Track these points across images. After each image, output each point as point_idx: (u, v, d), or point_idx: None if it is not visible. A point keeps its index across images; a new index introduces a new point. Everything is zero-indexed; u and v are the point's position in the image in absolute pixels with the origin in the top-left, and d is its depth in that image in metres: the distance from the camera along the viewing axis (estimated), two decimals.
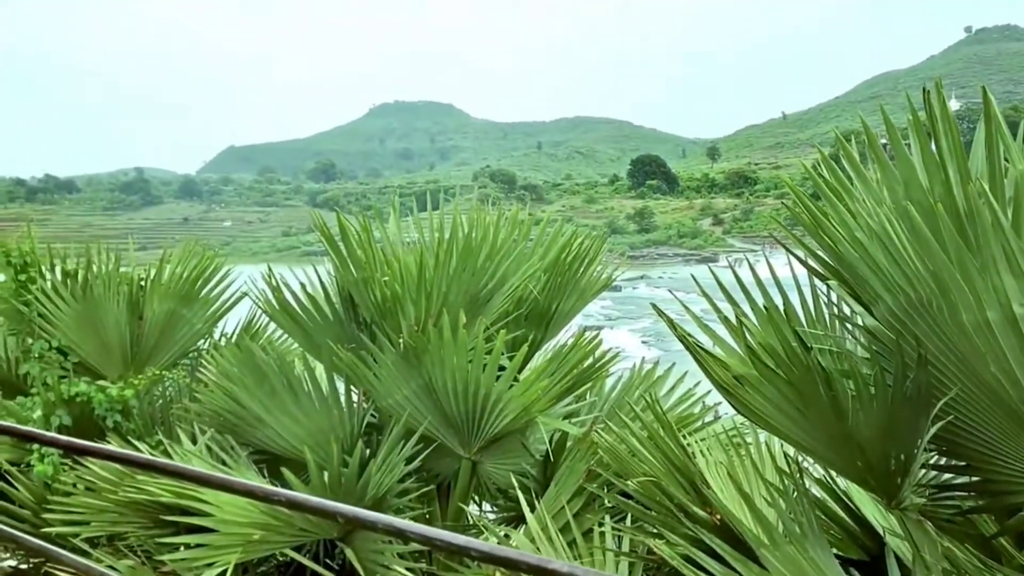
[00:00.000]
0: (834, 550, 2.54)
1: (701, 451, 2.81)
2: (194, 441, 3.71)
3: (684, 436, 2.85)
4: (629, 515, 2.85)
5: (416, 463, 3.49)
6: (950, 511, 2.21)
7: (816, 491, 2.61)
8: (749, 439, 2.95)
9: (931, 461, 2.21)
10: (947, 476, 2.28)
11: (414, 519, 3.64)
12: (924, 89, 1.82)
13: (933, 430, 1.91)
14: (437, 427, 3.58)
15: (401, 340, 3.53)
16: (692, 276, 2.52)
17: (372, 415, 3.84)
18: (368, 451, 3.53)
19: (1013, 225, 1.62)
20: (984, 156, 1.77)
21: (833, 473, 2.49)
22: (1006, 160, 1.80)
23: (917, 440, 2.02)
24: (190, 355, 5.21)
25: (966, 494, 2.17)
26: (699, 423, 3.78)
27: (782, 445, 2.62)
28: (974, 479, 2.11)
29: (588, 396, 4.15)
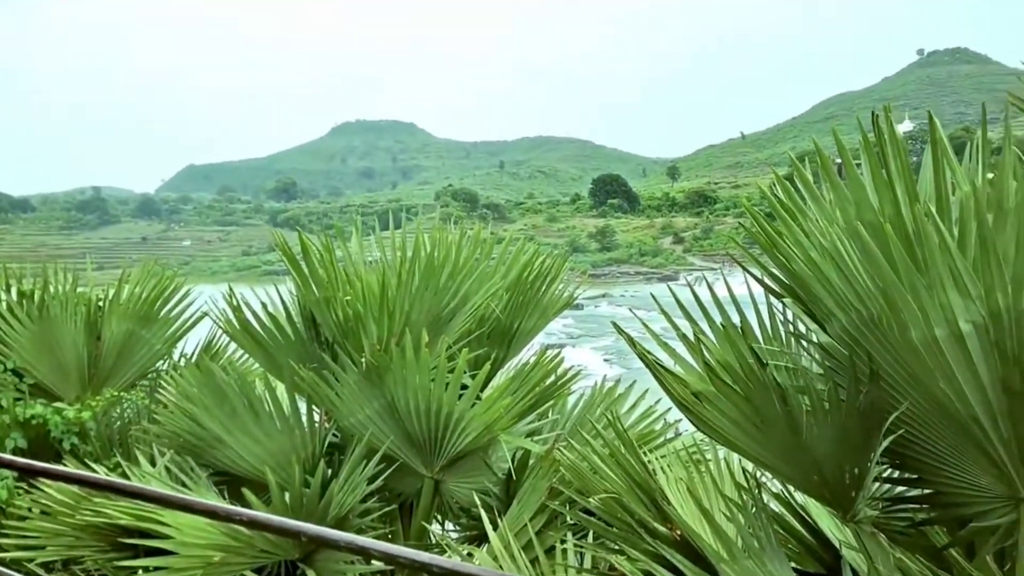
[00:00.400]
0: (792, 564, 2.58)
1: (662, 467, 2.84)
2: (153, 463, 3.67)
3: (645, 453, 2.88)
4: (591, 532, 2.87)
5: (378, 483, 3.48)
6: (903, 523, 2.26)
7: (775, 506, 2.65)
8: (709, 455, 2.98)
9: (884, 474, 2.26)
10: (900, 489, 2.33)
11: (377, 539, 3.62)
12: (873, 113, 1.88)
13: (885, 444, 1.96)
14: (399, 446, 3.58)
15: (363, 359, 3.53)
16: (652, 295, 2.56)
17: (334, 435, 3.82)
18: (330, 471, 3.51)
19: (959, 245, 1.68)
20: (931, 178, 1.83)
21: (791, 488, 2.53)
22: (954, 181, 1.86)
23: (870, 454, 2.07)
24: (149, 376, 5.15)
25: (918, 506, 2.22)
26: (660, 440, 3.82)
27: (741, 461, 2.66)
28: (926, 492, 2.17)
29: (550, 414, 4.17)
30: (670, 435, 3.83)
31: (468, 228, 4.12)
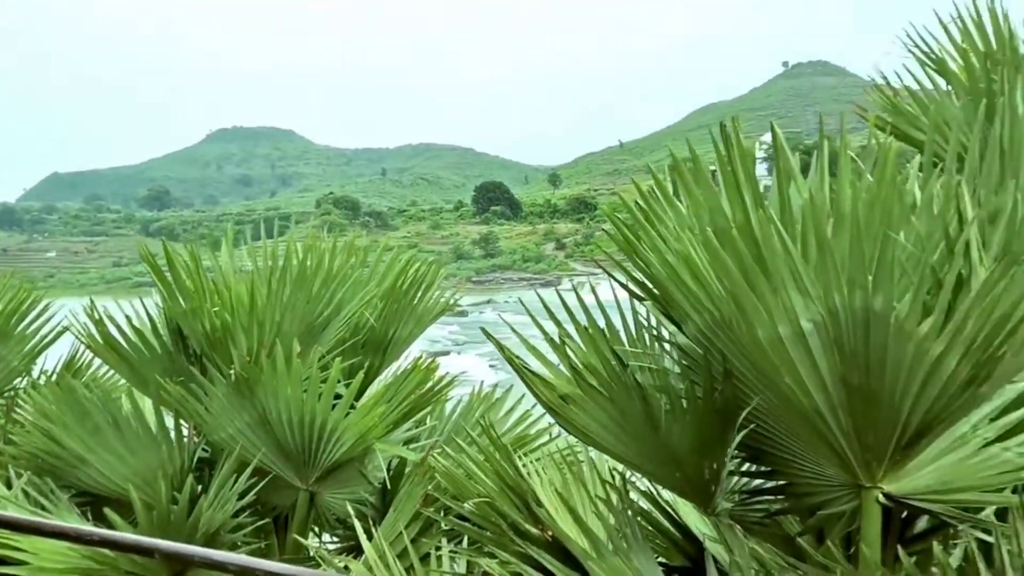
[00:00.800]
0: (661, 558, 2.67)
1: (536, 470, 2.89)
2: (9, 486, 3.48)
3: (521, 456, 2.92)
4: (466, 537, 2.89)
5: (250, 497, 3.40)
6: (759, 514, 2.37)
7: (646, 503, 2.73)
8: (582, 457, 3.05)
9: (742, 468, 2.37)
10: (759, 481, 2.44)
11: (251, 554, 3.54)
12: (721, 124, 1.97)
13: (738, 439, 2.06)
14: (272, 459, 3.51)
15: (233, 371, 3.45)
16: (520, 300, 2.60)
17: (204, 449, 3.72)
18: (200, 487, 3.41)
19: (801, 249, 1.78)
20: (776, 186, 1.93)
21: (658, 485, 2.61)
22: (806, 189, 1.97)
23: (727, 449, 2.16)
24: (5, 395, 4.88)
25: (773, 498, 2.33)
26: (536, 443, 3.88)
27: (607, 460, 2.73)
28: (779, 483, 2.28)
29: (428, 421, 4.17)
30: (547, 438, 3.89)
31: (343, 236, 4.08)
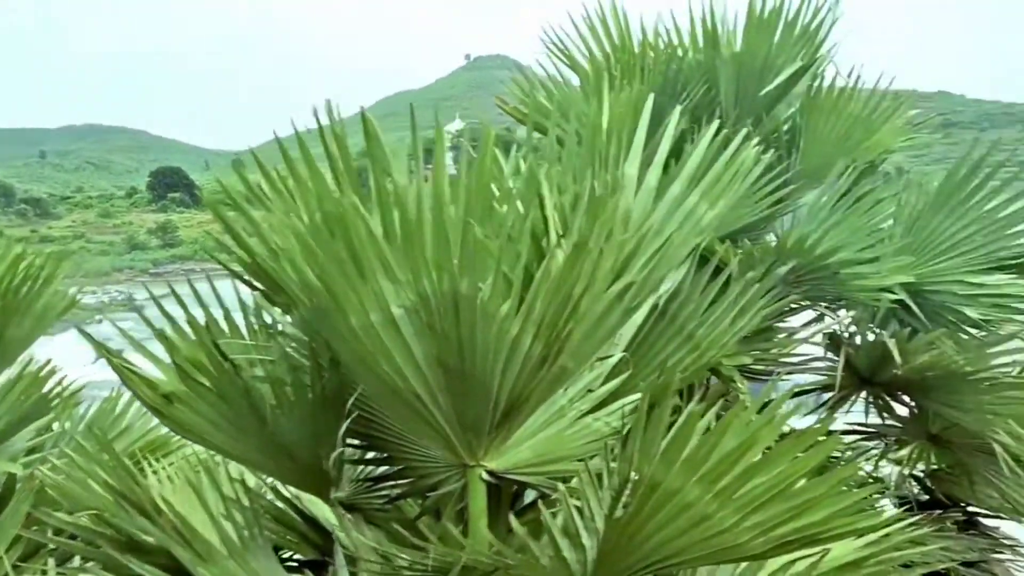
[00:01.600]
0: (294, 553, 2.62)
1: (170, 476, 2.71)
2: None
3: (156, 461, 2.73)
4: (77, 557, 2.64)
5: None
6: (381, 500, 2.39)
7: (279, 501, 2.66)
8: (218, 459, 2.90)
9: (366, 457, 2.37)
10: (383, 469, 2.45)
11: None
12: (314, 109, 1.93)
13: (344, 425, 2.04)
14: None
15: None
16: (130, 293, 2.40)
17: None
18: None
19: (388, 235, 1.79)
20: (372, 175, 1.92)
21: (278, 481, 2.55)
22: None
23: (340, 438, 2.14)
24: None
25: (393, 483, 2.36)
26: (181, 447, 3.65)
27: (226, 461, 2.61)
28: (396, 468, 2.31)
29: (55, 428, 3.78)
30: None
31: None
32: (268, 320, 2.33)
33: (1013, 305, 3.81)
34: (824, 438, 1.97)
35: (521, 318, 1.74)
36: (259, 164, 2.14)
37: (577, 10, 4.32)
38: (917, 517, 3.59)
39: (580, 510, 1.87)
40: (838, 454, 4.02)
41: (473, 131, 2.20)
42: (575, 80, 4.50)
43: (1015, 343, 3.93)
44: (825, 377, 4.14)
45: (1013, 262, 3.82)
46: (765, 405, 1.84)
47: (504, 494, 2.32)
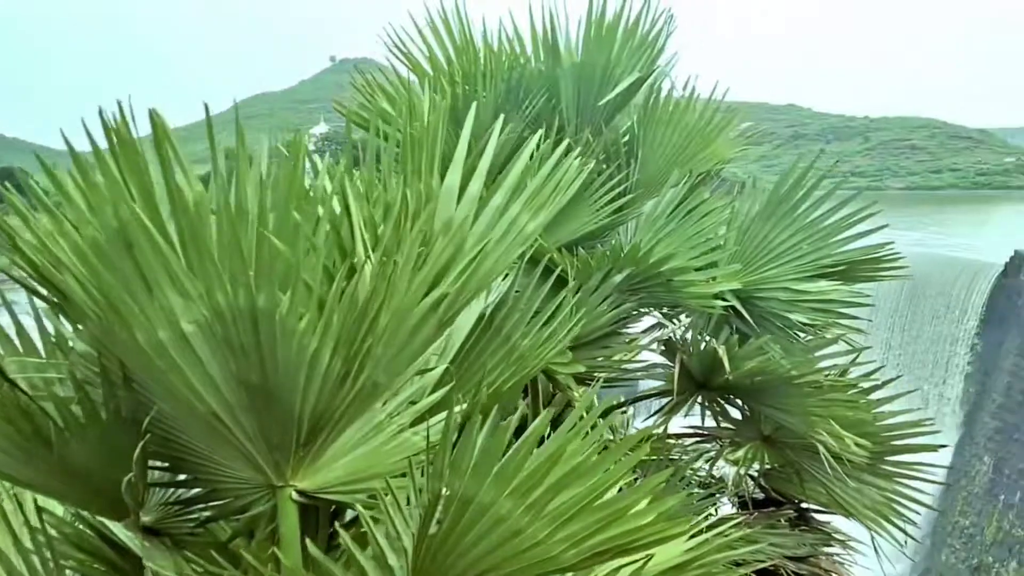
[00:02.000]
0: None
1: None
2: None
3: None
4: None
5: None
6: (192, 524, 2.26)
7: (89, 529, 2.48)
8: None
9: (166, 479, 2.24)
10: (195, 491, 2.32)
11: None
12: (100, 110, 1.80)
13: (139, 447, 1.92)
14: None
15: None
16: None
17: None
18: None
19: (181, 247, 1.68)
20: (163, 181, 1.80)
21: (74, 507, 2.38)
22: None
23: (141, 460, 2.01)
24: None
25: (203, 505, 2.24)
26: None
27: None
28: (205, 491, 2.19)
29: None
30: None
31: None
32: (49, 334, 2.18)
33: (836, 310, 3.99)
34: (637, 447, 1.99)
35: (320, 333, 1.67)
36: (45, 168, 1.98)
37: (420, 12, 4.27)
38: (742, 518, 3.73)
39: (385, 529, 1.82)
40: (675, 457, 4.13)
41: (338, 135, 2.12)
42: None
43: (840, 346, 4.14)
44: (664, 382, 4.24)
45: (836, 269, 4.01)
46: (582, 417, 1.84)
47: (322, 514, 2.24)
